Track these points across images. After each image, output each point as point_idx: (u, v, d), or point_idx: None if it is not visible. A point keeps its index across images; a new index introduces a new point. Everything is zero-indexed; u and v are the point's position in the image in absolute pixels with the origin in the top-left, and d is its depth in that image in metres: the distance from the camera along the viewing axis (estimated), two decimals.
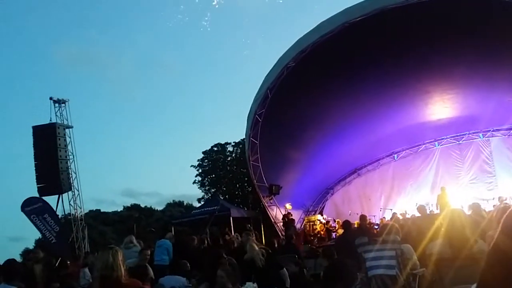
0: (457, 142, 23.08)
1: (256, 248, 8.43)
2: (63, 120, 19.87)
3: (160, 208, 50.05)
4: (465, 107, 19.92)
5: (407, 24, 14.60)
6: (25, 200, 18.19)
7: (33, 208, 17.99)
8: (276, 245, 12.78)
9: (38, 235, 24.84)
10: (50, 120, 19.44)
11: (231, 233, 17.34)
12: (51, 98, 19.78)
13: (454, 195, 19.88)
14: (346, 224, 11.79)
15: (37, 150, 18.90)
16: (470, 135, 22.73)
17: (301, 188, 22.28)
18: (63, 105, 20.07)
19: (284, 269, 8.36)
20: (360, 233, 9.88)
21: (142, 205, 50.27)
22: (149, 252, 9.47)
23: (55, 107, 19.86)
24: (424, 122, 21.22)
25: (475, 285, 1.66)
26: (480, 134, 22.42)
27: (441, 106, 19.66)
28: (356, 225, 15.07)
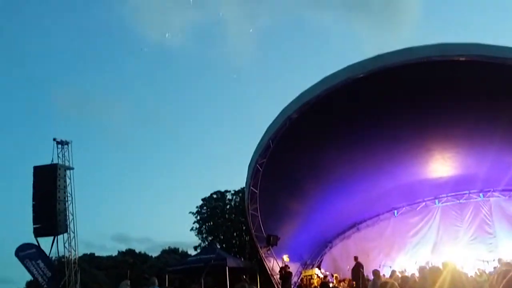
0: (457, 201, 23.00)
1: None
2: (64, 161, 19.90)
3: (155, 254, 49.43)
4: (465, 166, 19.96)
5: (409, 83, 14.87)
6: (19, 246, 18.35)
7: (27, 254, 18.05)
8: None
9: (28, 277, 24.51)
10: (52, 161, 19.47)
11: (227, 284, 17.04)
12: (54, 139, 19.87)
13: (454, 255, 19.62)
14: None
15: (36, 191, 18.84)
16: (470, 194, 22.67)
17: (300, 240, 22.05)
18: (65, 146, 20.14)
19: None
20: None
21: (137, 251, 49.64)
22: None
23: (57, 148, 19.94)
24: (425, 179, 21.22)
25: None
26: (481, 194, 22.38)
27: (441, 164, 19.71)
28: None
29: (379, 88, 15.13)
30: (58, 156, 19.83)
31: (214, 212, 42.60)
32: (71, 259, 20.29)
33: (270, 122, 17.43)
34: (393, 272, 18.25)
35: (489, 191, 22.07)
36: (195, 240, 46.40)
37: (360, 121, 16.35)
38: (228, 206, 42.82)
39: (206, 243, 40.95)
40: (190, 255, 33.63)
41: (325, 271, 22.20)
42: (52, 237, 18.91)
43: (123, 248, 54.12)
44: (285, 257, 20.97)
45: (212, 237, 41.27)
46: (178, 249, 49.55)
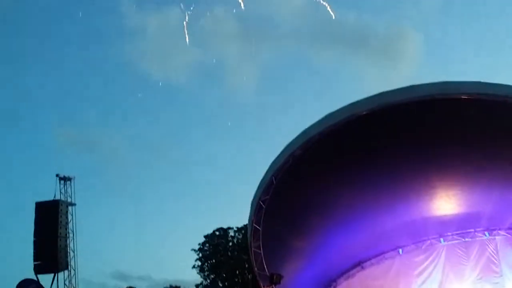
0: (463, 239, 22.68)
1: None
2: (66, 197, 19.84)
3: None
4: (470, 204, 19.81)
5: (412, 120, 14.96)
6: (20, 282, 18.13)
7: None
8: None
9: None
10: (54, 197, 19.42)
11: None
12: (57, 175, 19.88)
13: None
14: None
15: (38, 227, 18.75)
16: (475, 233, 22.37)
17: (303, 279, 21.69)
18: (68, 182, 20.13)
19: None
20: None
21: None
22: None
23: (60, 184, 19.91)
24: (429, 217, 21.01)
25: None
26: (486, 232, 22.07)
27: (446, 202, 19.58)
28: None
29: (383, 125, 15.20)
30: (60, 192, 19.81)
31: (217, 250, 42.12)
32: None
33: (273, 158, 17.46)
34: None
35: (494, 229, 21.79)
36: (196, 278, 45.74)
37: (363, 158, 16.34)
38: (230, 243, 42.35)
39: (208, 281, 40.37)
40: None
41: None
42: (52, 274, 18.72)
43: (124, 286, 53.30)
44: None
45: (214, 275, 40.70)
46: (179, 287, 48.82)
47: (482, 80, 14.07)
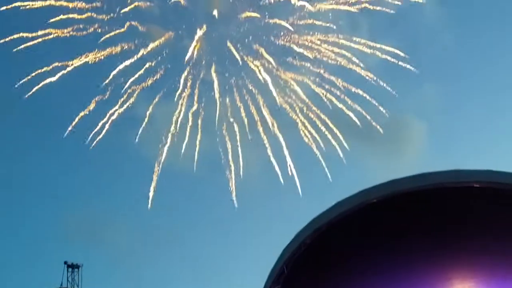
0: None
1: None
2: (74, 285, 19.54)
3: None
4: None
5: (423, 209, 14.82)
6: None
7: None
8: None
9: None
10: (61, 284, 19.17)
11: None
12: (65, 263, 19.69)
13: None
14: None
15: None
16: None
17: None
18: (76, 270, 19.91)
19: None
20: None
21: None
22: None
23: (68, 271, 19.70)
24: None
25: None
26: None
27: None
28: None
29: (393, 214, 15.04)
30: (67, 280, 19.56)
31: None
32: None
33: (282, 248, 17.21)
34: None
35: None
36: None
37: (375, 246, 16.04)
38: None
39: None
40: None
41: None
42: None
43: None
44: None
45: None
46: None
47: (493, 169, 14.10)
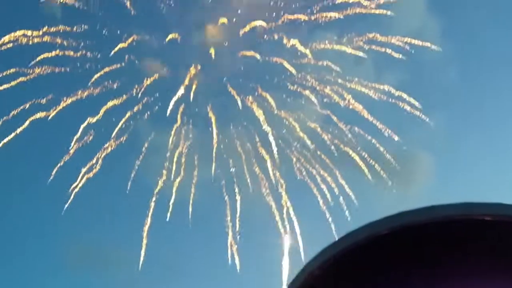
0: None
1: None
2: None
3: None
4: None
5: (433, 242, 14.31)
6: None
7: None
8: None
9: None
10: None
11: None
12: None
13: None
14: None
15: None
16: None
17: None
18: None
19: None
20: None
21: None
22: None
23: None
24: None
25: None
26: None
27: None
28: None
29: (402, 247, 14.54)
30: None
31: None
32: None
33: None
34: None
35: None
36: None
37: (385, 282, 15.49)
38: None
39: None
40: None
41: None
42: None
43: None
44: None
45: None
46: None
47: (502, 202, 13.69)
